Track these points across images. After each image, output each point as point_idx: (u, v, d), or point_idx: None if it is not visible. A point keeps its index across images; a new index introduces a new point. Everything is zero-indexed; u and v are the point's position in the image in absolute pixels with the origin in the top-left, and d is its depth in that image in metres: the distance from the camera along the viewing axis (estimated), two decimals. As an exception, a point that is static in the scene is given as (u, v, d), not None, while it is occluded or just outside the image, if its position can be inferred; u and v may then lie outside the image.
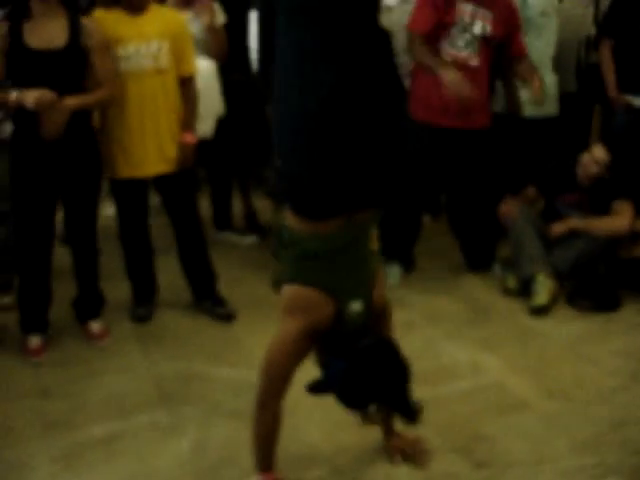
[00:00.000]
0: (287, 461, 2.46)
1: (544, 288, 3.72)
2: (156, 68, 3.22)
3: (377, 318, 2.28)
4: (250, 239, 4.64)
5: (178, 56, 3.30)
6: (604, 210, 3.89)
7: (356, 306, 2.15)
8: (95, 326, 3.41)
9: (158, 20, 3.25)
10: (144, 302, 3.59)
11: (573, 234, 3.87)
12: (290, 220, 2.13)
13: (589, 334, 3.51)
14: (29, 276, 3.23)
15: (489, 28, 3.75)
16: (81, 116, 3.04)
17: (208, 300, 3.65)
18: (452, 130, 3.82)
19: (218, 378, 3.03)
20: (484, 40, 3.76)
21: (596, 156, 3.89)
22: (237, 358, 3.21)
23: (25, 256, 3.20)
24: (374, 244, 2.21)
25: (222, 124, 3.95)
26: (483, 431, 2.69)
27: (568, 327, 3.58)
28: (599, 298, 3.77)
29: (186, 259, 3.63)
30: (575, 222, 3.89)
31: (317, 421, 2.72)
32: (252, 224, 4.78)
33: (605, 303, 3.76)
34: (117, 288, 3.71)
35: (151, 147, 3.28)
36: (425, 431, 2.57)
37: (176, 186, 3.45)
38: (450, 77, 3.53)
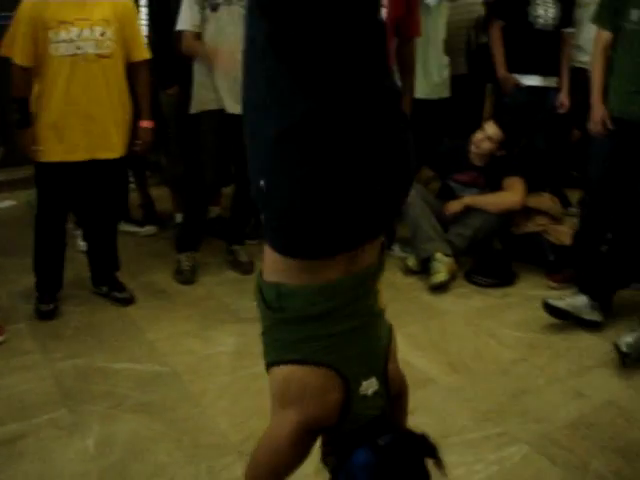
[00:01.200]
0: (197, 450, 2.44)
1: (442, 266, 3.80)
2: (99, 53, 3.16)
3: (394, 400, 1.76)
4: (148, 229, 4.56)
5: (127, 42, 3.27)
6: (498, 187, 4.01)
7: (371, 386, 1.62)
8: None
9: (105, 5, 3.19)
10: (49, 298, 3.46)
11: (468, 212, 3.97)
12: (277, 271, 1.58)
13: (487, 309, 3.62)
14: None
15: (385, 10, 3.56)
16: None
17: (106, 285, 3.59)
18: None
19: (120, 372, 2.96)
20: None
21: (488, 133, 4.00)
22: (139, 351, 3.14)
23: None
24: (382, 302, 1.69)
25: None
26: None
27: (467, 303, 3.68)
28: (496, 274, 3.89)
29: (94, 244, 3.57)
30: (469, 199, 4.00)
31: (224, 410, 2.69)
32: (149, 214, 4.69)
33: (502, 278, 3.88)
34: (11, 283, 3.58)
35: (84, 133, 3.21)
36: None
37: (108, 173, 3.38)
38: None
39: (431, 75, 4.31)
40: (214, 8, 3.52)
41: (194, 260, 3.92)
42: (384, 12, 3.59)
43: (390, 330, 1.73)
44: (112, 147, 3.33)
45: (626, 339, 3.07)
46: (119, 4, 3.26)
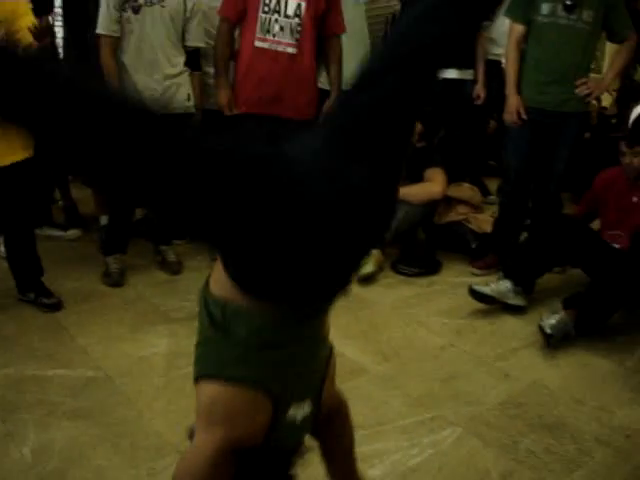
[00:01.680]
0: (136, 453, 2.44)
1: (370, 258, 3.87)
2: None
3: (327, 424, 1.74)
4: (72, 233, 4.49)
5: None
6: (419, 178, 4.10)
7: (300, 411, 1.55)
8: None
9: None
10: None
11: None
12: (225, 287, 1.46)
13: (415, 297, 3.71)
14: None
15: (304, 5, 3.63)
16: None
17: (33, 291, 3.53)
18: (276, 118, 3.73)
19: (52, 379, 2.91)
20: (302, 21, 3.65)
21: None
22: (70, 357, 3.10)
23: None
24: (327, 326, 1.63)
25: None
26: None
27: (395, 292, 3.77)
28: (421, 263, 3.99)
29: (13, 250, 3.50)
30: None
31: (160, 411, 2.69)
32: (73, 217, 4.62)
33: (427, 267, 3.99)
34: None
35: None
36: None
37: (16, 177, 3.30)
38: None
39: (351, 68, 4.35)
40: (136, 10, 3.49)
41: (122, 262, 3.89)
42: (303, 7, 3.64)
43: (330, 352, 1.68)
44: (15, 151, 3.24)
45: (549, 321, 3.20)
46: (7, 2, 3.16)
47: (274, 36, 3.63)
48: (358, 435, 2.52)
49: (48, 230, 4.41)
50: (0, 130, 3.12)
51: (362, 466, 2.37)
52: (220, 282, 1.48)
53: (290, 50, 3.67)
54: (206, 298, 1.52)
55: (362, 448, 2.46)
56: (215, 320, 1.48)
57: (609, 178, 3.67)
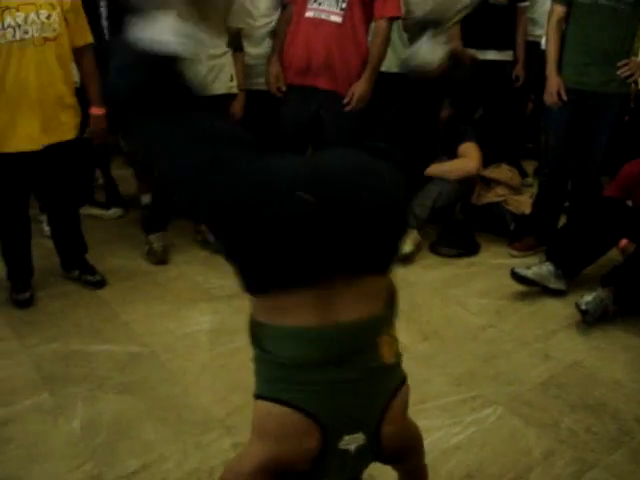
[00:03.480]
0: (182, 427, 2.49)
1: (408, 238, 3.88)
2: (45, 37, 3.11)
3: (397, 458, 1.66)
4: (114, 212, 4.56)
5: (71, 26, 3.22)
6: (453, 152, 4.13)
7: (355, 441, 1.48)
8: None
9: None
10: (23, 286, 3.44)
11: (427, 181, 4.07)
12: (253, 305, 1.54)
13: (454, 278, 3.72)
14: None
15: None
16: None
17: (77, 269, 3.59)
18: (318, 91, 3.77)
19: (98, 355, 2.98)
20: None
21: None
22: (115, 333, 3.16)
23: None
24: (390, 351, 1.57)
25: (79, 93, 3.84)
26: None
27: (434, 273, 3.78)
28: (460, 244, 3.99)
29: (58, 228, 3.56)
30: (429, 169, 4.07)
31: (207, 386, 2.74)
32: (114, 196, 4.68)
33: (466, 248, 3.99)
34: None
35: (37, 119, 3.16)
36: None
37: (64, 157, 3.34)
38: None
39: (396, 49, 4.35)
40: None
41: (165, 240, 3.94)
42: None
43: (401, 383, 1.62)
44: (64, 130, 3.30)
45: (586, 298, 3.21)
46: None
47: (320, 4, 3.65)
48: (401, 413, 2.57)
49: (90, 209, 4.48)
50: (48, 109, 3.20)
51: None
52: (254, 306, 1.54)
53: (335, 19, 3.64)
54: (250, 318, 1.56)
55: (405, 425, 2.50)
56: (251, 338, 1.54)
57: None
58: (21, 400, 2.70)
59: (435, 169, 4.03)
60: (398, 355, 1.62)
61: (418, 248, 3.94)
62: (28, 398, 2.72)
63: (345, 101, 3.75)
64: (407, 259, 3.86)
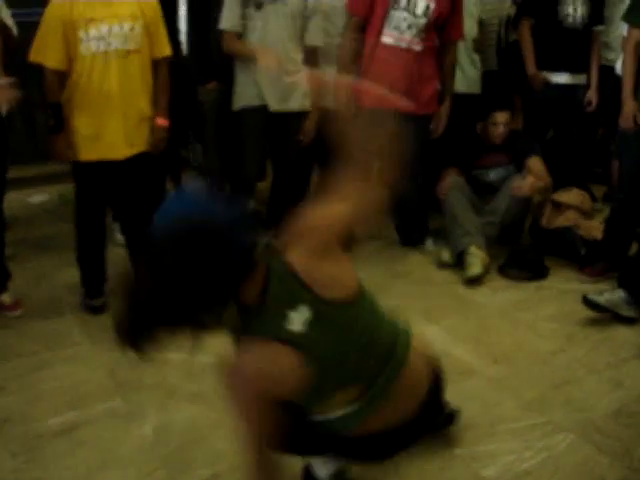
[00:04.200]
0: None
1: (477, 259, 3.86)
2: (128, 49, 3.20)
3: None
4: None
5: (152, 38, 3.30)
6: (521, 162, 4.20)
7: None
8: (6, 298, 3.46)
9: (131, 2, 3.23)
10: (97, 292, 3.52)
11: (492, 199, 4.10)
12: None
13: (523, 301, 3.68)
14: None
15: (433, 7, 3.75)
16: None
17: None
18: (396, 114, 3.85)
19: (171, 363, 3.02)
20: (428, 21, 3.77)
21: (501, 120, 4.13)
22: (186, 343, 3.20)
23: None
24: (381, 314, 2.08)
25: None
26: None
27: (502, 296, 3.74)
28: (529, 267, 3.95)
29: (133, 237, 3.62)
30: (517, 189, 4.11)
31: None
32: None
33: (535, 272, 3.94)
34: (51, 277, 3.67)
35: (120, 129, 3.26)
36: (383, 401, 2.65)
37: (142, 167, 3.43)
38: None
39: (463, 70, 4.38)
40: (258, 6, 3.57)
41: None
42: (432, 9, 3.72)
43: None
44: (145, 140, 3.39)
45: None
46: (145, 1, 3.30)
47: (401, 33, 3.73)
48: (471, 434, 2.57)
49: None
50: (131, 120, 3.28)
51: (475, 465, 2.40)
52: None
53: (416, 47, 3.79)
54: None
55: (476, 447, 2.50)
56: None
57: None
58: (94, 404, 2.77)
59: (517, 189, 4.03)
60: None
61: (486, 270, 3.91)
62: (101, 403, 2.78)
63: (433, 126, 4.02)
64: (476, 281, 3.84)
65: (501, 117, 4.15)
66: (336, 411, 1.88)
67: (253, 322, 1.75)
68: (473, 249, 3.89)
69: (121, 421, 2.68)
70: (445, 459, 2.45)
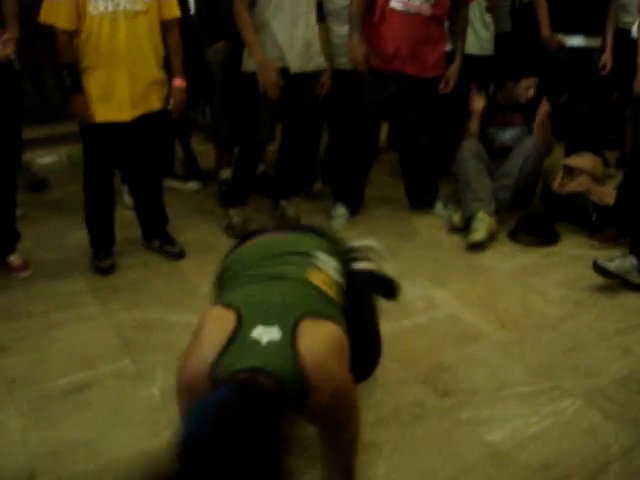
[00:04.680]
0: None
1: (483, 225, 3.83)
2: (136, 10, 3.17)
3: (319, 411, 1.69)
4: (192, 185, 4.62)
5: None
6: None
7: (267, 335, 1.66)
8: (16, 259, 3.47)
9: None
10: (105, 254, 3.52)
11: (504, 161, 4.10)
12: None
13: (533, 267, 3.66)
14: None
15: None
16: None
17: (158, 239, 3.67)
18: (403, 75, 3.88)
19: (178, 324, 3.02)
20: None
21: (528, 84, 4.12)
22: (194, 304, 3.20)
23: None
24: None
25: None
26: (444, 362, 2.80)
27: (512, 261, 3.72)
28: (539, 233, 3.91)
29: (141, 199, 3.63)
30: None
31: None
32: (193, 170, 4.74)
33: (545, 237, 3.91)
34: (61, 238, 3.68)
35: (128, 90, 3.23)
36: (390, 364, 2.66)
37: (151, 128, 3.41)
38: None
39: (476, 31, 4.33)
40: None
41: (244, 215, 3.98)
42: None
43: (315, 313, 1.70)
44: (152, 101, 3.36)
45: None
46: None
47: None
48: (477, 399, 2.57)
49: (169, 181, 4.53)
50: (139, 81, 3.25)
51: (481, 429, 2.40)
52: None
53: (425, 13, 3.76)
54: None
55: (481, 412, 2.50)
56: None
57: None
58: (102, 365, 2.78)
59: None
60: None
61: (492, 236, 3.88)
62: (109, 364, 2.79)
63: (442, 86, 3.99)
64: (478, 246, 3.81)
65: (531, 82, 4.11)
66: None
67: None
68: (481, 214, 3.86)
69: (129, 382, 2.69)
70: (451, 423, 2.45)
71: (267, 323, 1.63)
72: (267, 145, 4.06)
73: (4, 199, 3.39)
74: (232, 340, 1.61)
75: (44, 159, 4.84)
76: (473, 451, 2.32)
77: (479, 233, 3.81)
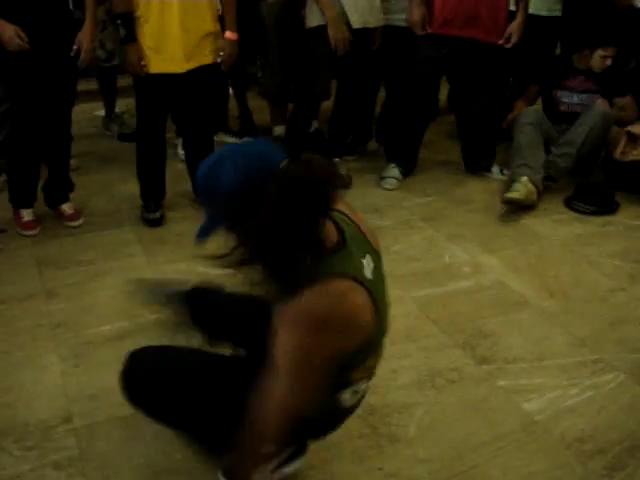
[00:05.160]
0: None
1: (523, 187, 3.73)
2: None
3: None
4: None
5: None
6: (609, 95, 4.05)
7: None
8: (68, 208, 3.53)
9: None
10: (155, 206, 3.55)
11: (568, 129, 3.95)
12: None
13: (587, 236, 3.55)
14: (19, 156, 3.34)
15: None
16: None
17: None
18: (462, 38, 3.78)
19: (221, 277, 3.04)
20: None
21: (609, 54, 3.97)
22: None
23: (16, 138, 3.30)
24: None
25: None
26: (485, 328, 2.75)
27: (567, 229, 3.62)
28: (597, 201, 3.79)
29: (192, 152, 3.63)
30: None
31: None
32: (248, 126, 4.73)
33: (603, 206, 3.78)
34: (112, 189, 3.73)
35: (182, 43, 3.21)
36: (430, 327, 2.63)
37: (204, 81, 3.40)
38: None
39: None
40: None
41: None
42: None
43: None
44: (205, 54, 3.33)
45: None
46: None
47: None
48: (517, 367, 2.52)
49: (223, 136, 4.54)
50: (192, 34, 3.23)
51: (517, 398, 2.36)
52: None
53: None
54: None
55: (519, 381, 2.46)
56: None
57: None
58: (145, 314, 2.80)
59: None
60: None
61: (530, 205, 3.77)
62: (151, 313, 2.80)
63: (503, 40, 3.84)
64: (513, 204, 3.71)
65: (608, 52, 3.97)
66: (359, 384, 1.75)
67: (334, 261, 1.55)
68: (525, 179, 3.76)
69: (169, 332, 2.71)
70: (487, 390, 2.41)
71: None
72: (322, 102, 4.01)
73: (59, 149, 3.45)
74: None
75: (101, 111, 4.89)
76: (507, 419, 2.28)
77: (516, 193, 3.72)
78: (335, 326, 1.50)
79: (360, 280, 1.55)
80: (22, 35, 2.97)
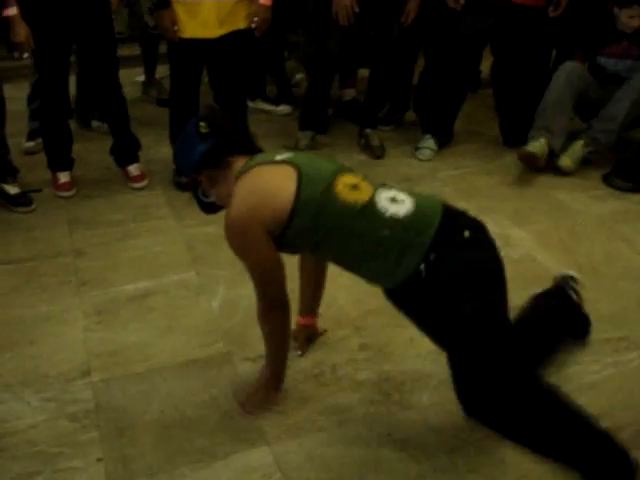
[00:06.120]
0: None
1: (540, 148, 3.68)
2: None
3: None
4: (283, 109, 4.59)
5: None
6: None
7: None
8: (134, 170, 3.61)
9: None
10: None
11: (609, 102, 3.81)
12: None
13: (623, 213, 3.46)
14: (51, 120, 3.43)
15: None
16: None
17: None
18: (506, 3, 3.67)
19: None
20: None
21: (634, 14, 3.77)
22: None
23: (46, 101, 3.42)
24: None
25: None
26: (512, 302, 2.69)
27: (602, 206, 3.53)
28: (637, 178, 3.69)
29: None
30: None
31: (345, 286, 2.71)
32: (285, 93, 4.71)
33: (642, 183, 3.69)
34: (147, 152, 3.78)
35: (216, 7, 3.21)
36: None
37: (237, 47, 3.38)
38: None
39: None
40: None
41: (312, 140, 3.98)
42: None
43: None
44: (238, 19, 3.31)
45: None
46: None
47: None
48: (538, 341, 2.46)
49: (260, 103, 4.54)
50: (223, 1, 3.22)
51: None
52: None
53: None
54: None
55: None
56: None
57: None
58: (169, 275, 2.85)
59: None
60: None
61: (540, 167, 3.74)
62: (175, 274, 2.86)
63: (551, 9, 3.69)
64: (528, 159, 3.69)
65: (634, 11, 3.76)
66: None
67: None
68: (543, 141, 3.70)
69: (192, 293, 2.75)
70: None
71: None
72: (336, 69, 4.00)
73: (116, 112, 3.54)
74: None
75: (141, 76, 4.91)
76: (524, 392, 2.25)
77: (531, 147, 3.68)
78: (259, 214, 1.91)
79: (268, 161, 1.96)
80: (30, 42, 3.06)
